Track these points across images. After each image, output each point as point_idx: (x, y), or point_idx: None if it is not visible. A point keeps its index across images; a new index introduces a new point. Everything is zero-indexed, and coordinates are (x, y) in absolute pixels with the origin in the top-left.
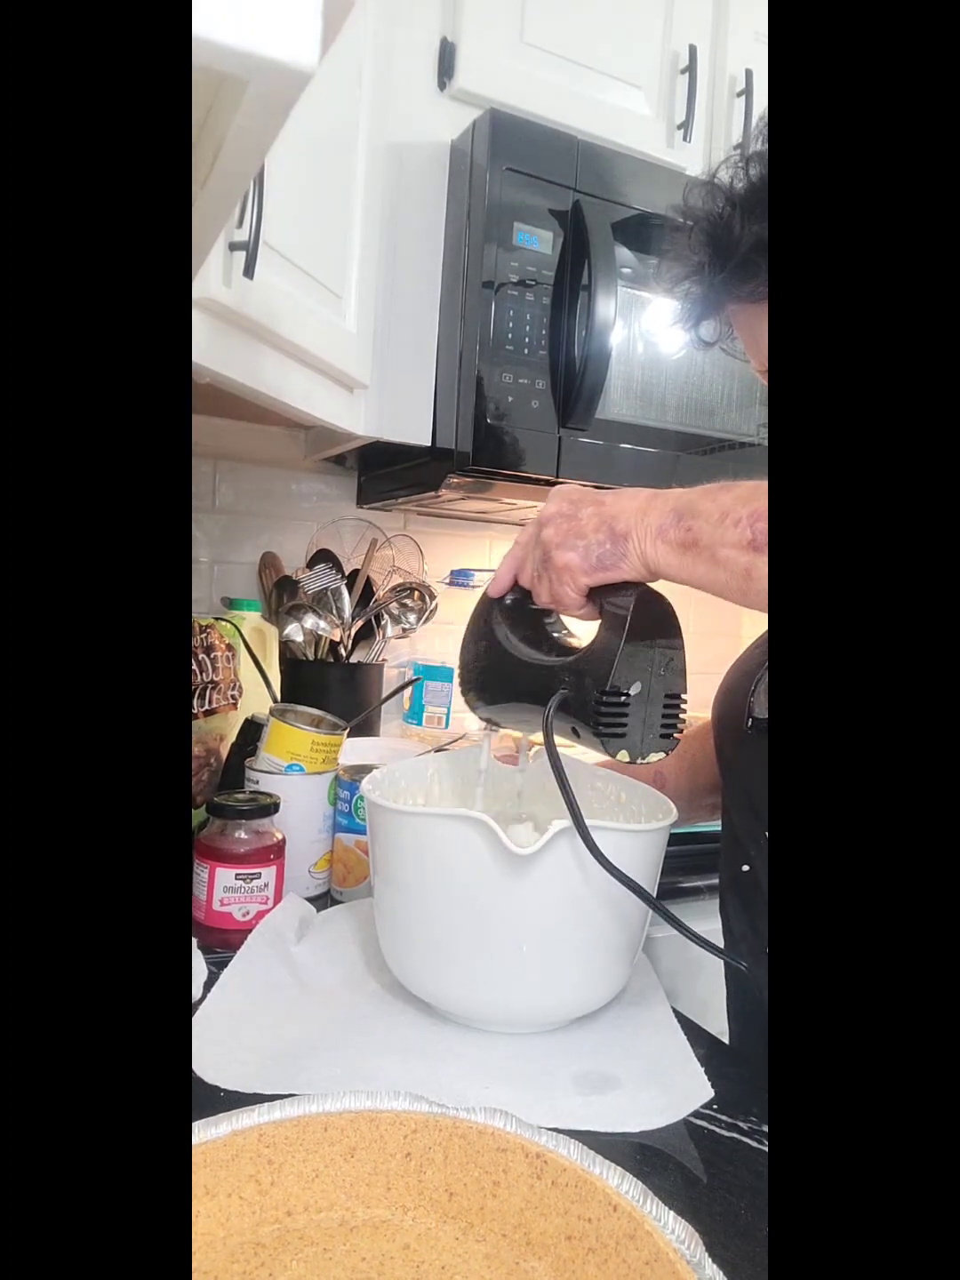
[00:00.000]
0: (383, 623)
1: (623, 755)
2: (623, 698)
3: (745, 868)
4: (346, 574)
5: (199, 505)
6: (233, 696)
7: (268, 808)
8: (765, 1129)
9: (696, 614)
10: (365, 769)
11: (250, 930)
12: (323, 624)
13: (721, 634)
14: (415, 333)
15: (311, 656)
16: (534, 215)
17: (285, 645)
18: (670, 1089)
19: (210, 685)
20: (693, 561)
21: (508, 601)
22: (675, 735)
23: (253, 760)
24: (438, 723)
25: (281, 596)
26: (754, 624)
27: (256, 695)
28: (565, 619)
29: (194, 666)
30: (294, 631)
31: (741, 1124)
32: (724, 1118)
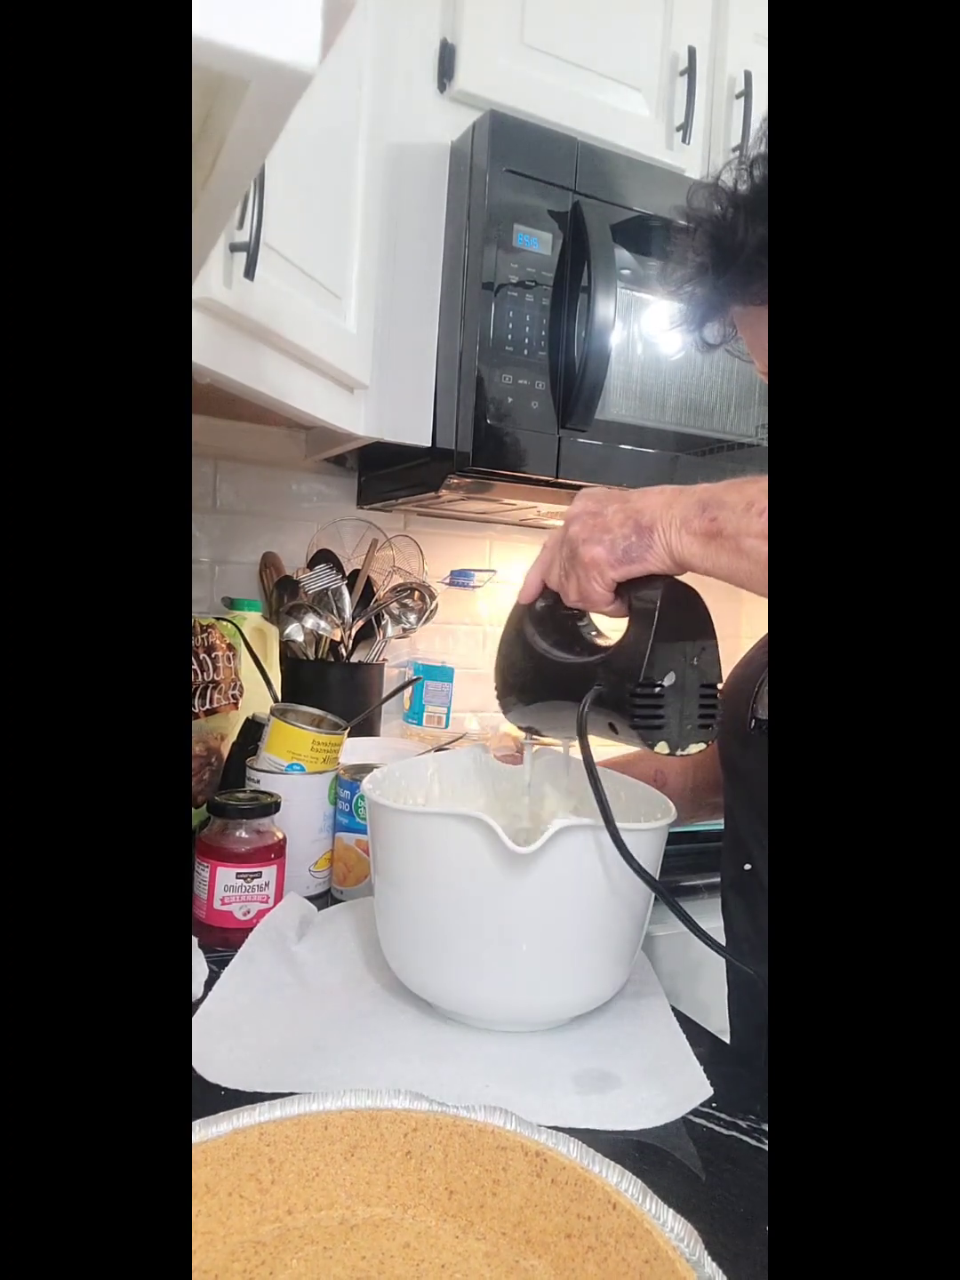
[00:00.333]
0: (383, 623)
1: (662, 748)
2: (657, 689)
3: (748, 867)
4: (347, 574)
5: (199, 505)
6: (233, 696)
7: (268, 807)
8: (765, 1128)
9: None
10: (366, 768)
11: (251, 929)
12: (323, 624)
13: (721, 635)
14: (415, 333)
15: (312, 656)
16: (534, 216)
17: (286, 645)
18: (670, 1087)
19: (211, 685)
20: (717, 551)
21: (538, 607)
22: (713, 725)
23: (253, 760)
24: (438, 723)
25: (282, 596)
26: (754, 624)
27: (257, 695)
28: (597, 621)
29: (194, 666)
30: (294, 631)
31: (741, 1123)
32: (724, 1116)
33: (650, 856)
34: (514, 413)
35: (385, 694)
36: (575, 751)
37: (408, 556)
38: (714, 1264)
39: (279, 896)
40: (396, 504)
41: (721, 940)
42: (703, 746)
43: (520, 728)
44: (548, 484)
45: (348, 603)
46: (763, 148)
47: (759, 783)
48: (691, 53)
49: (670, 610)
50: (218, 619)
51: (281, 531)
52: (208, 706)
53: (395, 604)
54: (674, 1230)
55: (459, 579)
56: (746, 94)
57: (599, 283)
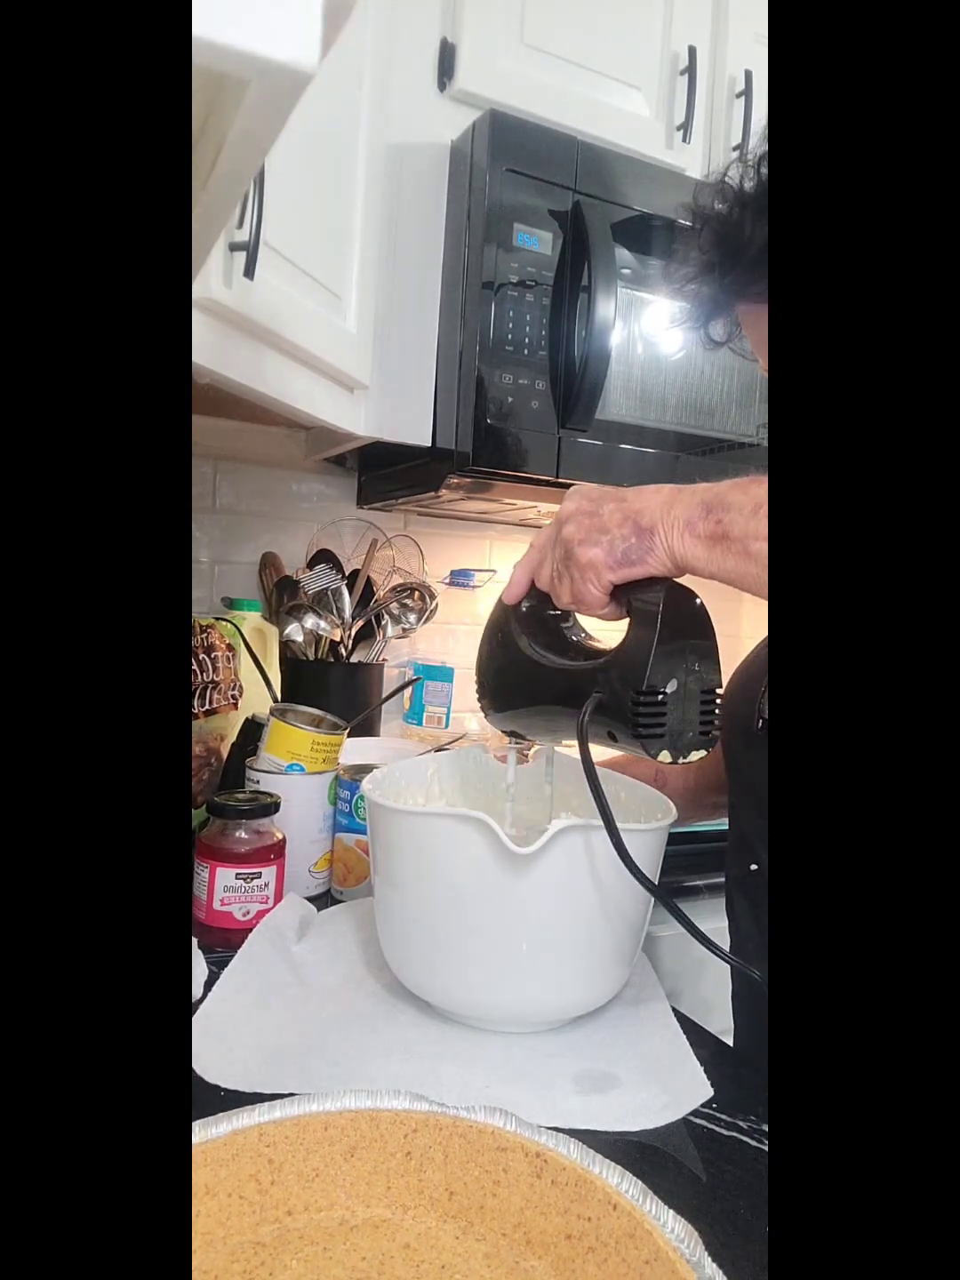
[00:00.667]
0: (383, 623)
1: (664, 756)
2: (659, 697)
3: (753, 867)
4: (347, 574)
5: (199, 505)
6: (233, 696)
7: (268, 807)
8: (765, 1128)
9: None
10: (365, 769)
11: (250, 930)
12: (323, 624)
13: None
14: (415, 333)
15: (312, 656)
16: (534, 216)
17: (285, 645)
18: (670, 1088)
19: (210, 685)
20: (723, 555)
21: (524, 608)
22: (714, 732)
23: (253, 760)
24: (438, 723)
25: (282, 596)
26: (754, 625)
27: (257, 695)
28: (582, 622)
29: (194, 666)
30: (294, 631)
31: (741, 1123)
32: (724, 1117)
33: (651, 857)
34: (514, 412)
35: (385, 694)
36: (562, 751)
37: (408, 556)
38: (714, 1265)
39: (279, 897)
40: (396, 504)
41: (726, 941)
42: (704, 754)
43: (504, 732)
44: (548, 484)
45: (348, 603)
46: (767, 146)
47: (765, 783)
48: (691, 52)
49: (672, 614)
50: (218, 619)
51: (281, 531)
52: (207, 707)
53: (395, 604)
54: (674, 1231)
55: (459, 579)
56: (746, 94)
57: (599, 282)
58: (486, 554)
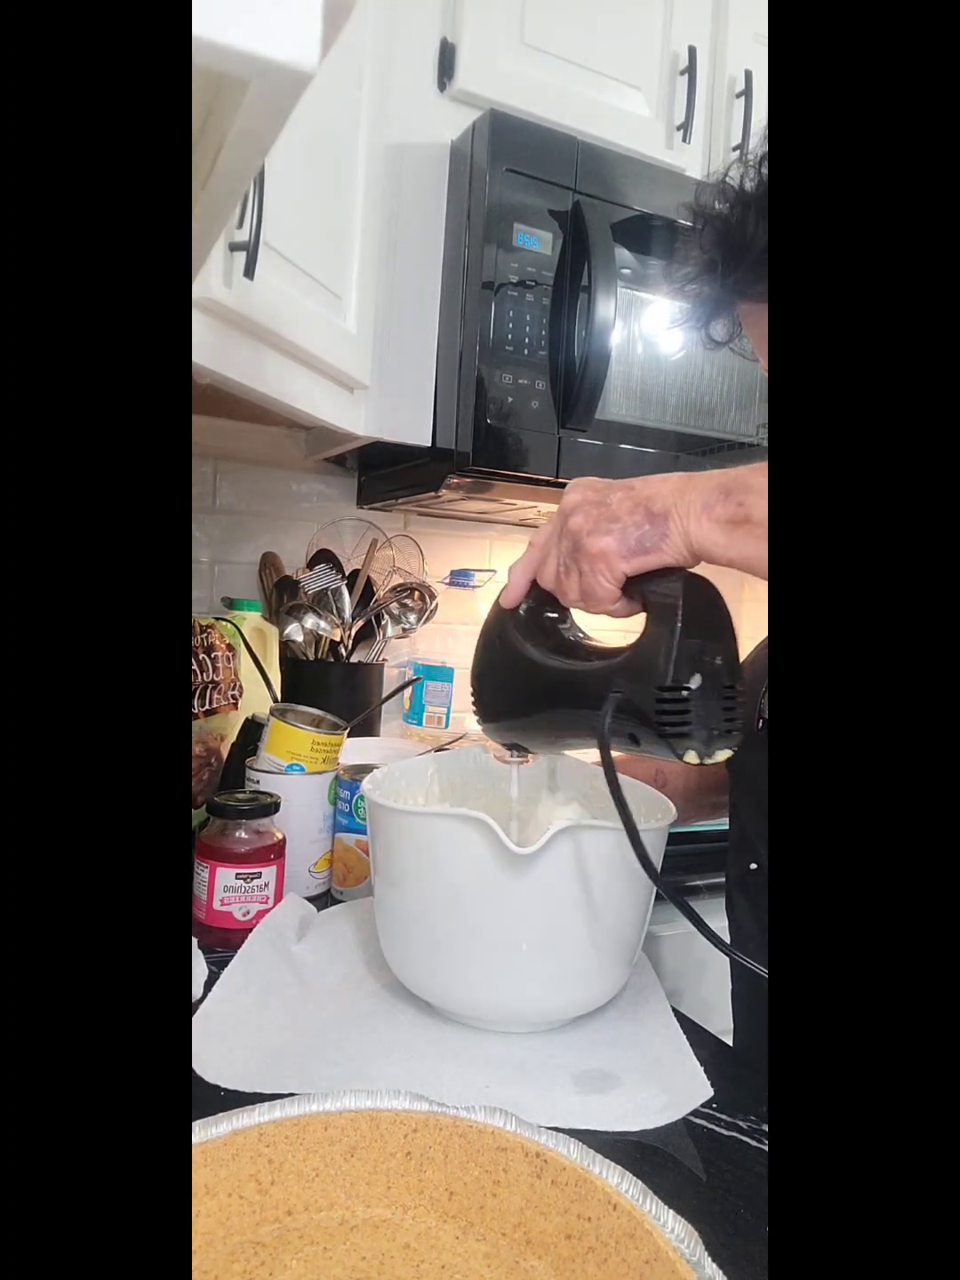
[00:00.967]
0: (383, 623)
1: (691, 756)
2: (684, 693)
3: (754, 867)
4: (347, 574)
5: (199, 505)
6: (233, 696)
7: (268, 807)
8: (765, 1129)
9: None
10: (365, 769)
11: (250, 930)
12: (323, 624)
13: None
14: (415, 333)
15: (312, 656)
16: (534, 216)
17: (285, 645)
18: (670, 1088)
19: (210, 685)
20: (744, 539)
21: (522, 612)
22: (738, 730)
23: (253, 760)
24: (438, 723)
25: (282, 596)
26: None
27: (257, 695)
28: (581, 624)
29: (194, 666)
30: (294, 631)
31: (741, 1124)
32: (724, 1117)
33: (652, 857)
34: (514, 412)
35: (385, 694)
36: (560, 762)
37: (408, 556)
38: (714, 1265)
39: (279, 897)
40: (396, 504)
41: (727, 941)
42: (730, 753)
43: (503, 745)
44: (548, 484)
45: (347, 603)
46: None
47: (766, 782)
48: (691, 52)
49: (692, 605)
50: (218, 619)
51: (281, 531)
52: (207, 707)
53: (395, 604)
54: (674, 1231)
55: (459, 579)
56: (746, 94)
57: (599, 282)
58: (486, 554)
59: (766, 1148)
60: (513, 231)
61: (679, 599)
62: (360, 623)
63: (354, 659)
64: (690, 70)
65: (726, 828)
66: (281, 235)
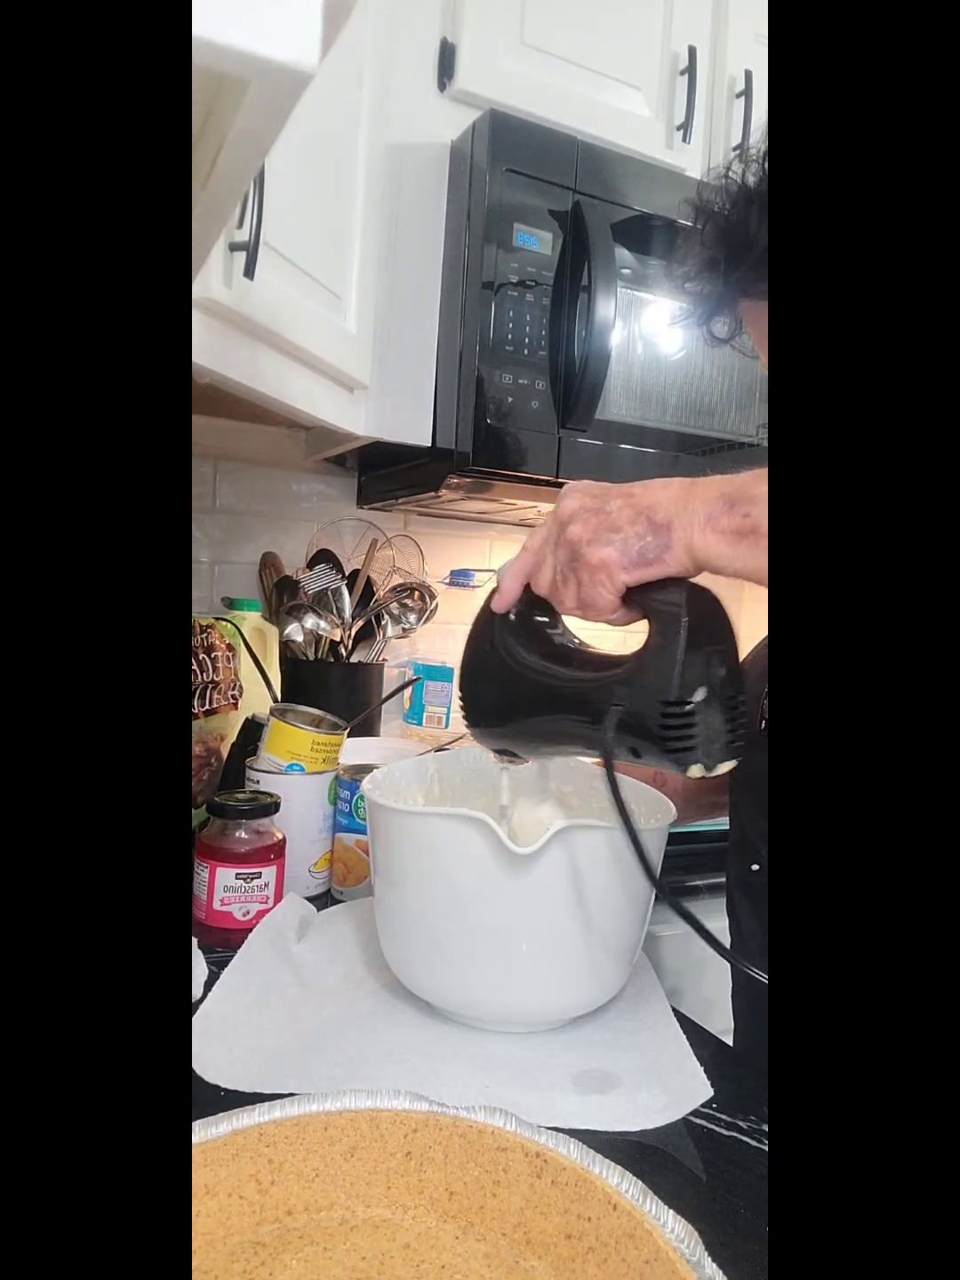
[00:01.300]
0: (383, 623)
1: (696, 770)
2: (688, 707)
3: (755, 867)
4: (347, 574)
5: (199, 505)
6: (233, 696)
7: (268, 807)
8: (765, 1128)
9: None
10: (365, 769)
11: (250, 930)
12: (323, 624)
13: None
14: (415, 333)
15: (312, 656)
16: (534, 216)
17: (285, 645)
18: (670, 1088)
19: (210, 685)
20: (750, 551)
21: (513, 617)
22: (742, 740)
23: (253, 760)
24: (438, 723)
25: (282, 596)
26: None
27: (257, 695)
28: (574, 630)
29: (194, 666)
30: (294, 631)
31: (741, 1123)
32: (724, 1117)
33: (652, 857)
34: (514, 412)
35: (385, 694)
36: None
37: (408, 556)
38: (714, 1265)
39: (279, 897)
40: (396, 504)
41: (727, 941)
42: (734, 763)
43: (493, 751)
44: (548, 484)
45: (347, 603)
46: None
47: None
48: (691, 52)
49: (696, 616)
50: (218, 619)
51: (281, 531)
52: (207, 707)
53: (395, 604)
54: (674, 1231)
55: (459, 579)
56: (746, 94)
57: (599, 282)
58: (486, 554)
59: (766, 1148)
60: (513, 231)
61: (683, 611)
62: (360, 623)
63: (354, 659)
64: (690, 70)
65: (726, 827)
66: (281, 235)
